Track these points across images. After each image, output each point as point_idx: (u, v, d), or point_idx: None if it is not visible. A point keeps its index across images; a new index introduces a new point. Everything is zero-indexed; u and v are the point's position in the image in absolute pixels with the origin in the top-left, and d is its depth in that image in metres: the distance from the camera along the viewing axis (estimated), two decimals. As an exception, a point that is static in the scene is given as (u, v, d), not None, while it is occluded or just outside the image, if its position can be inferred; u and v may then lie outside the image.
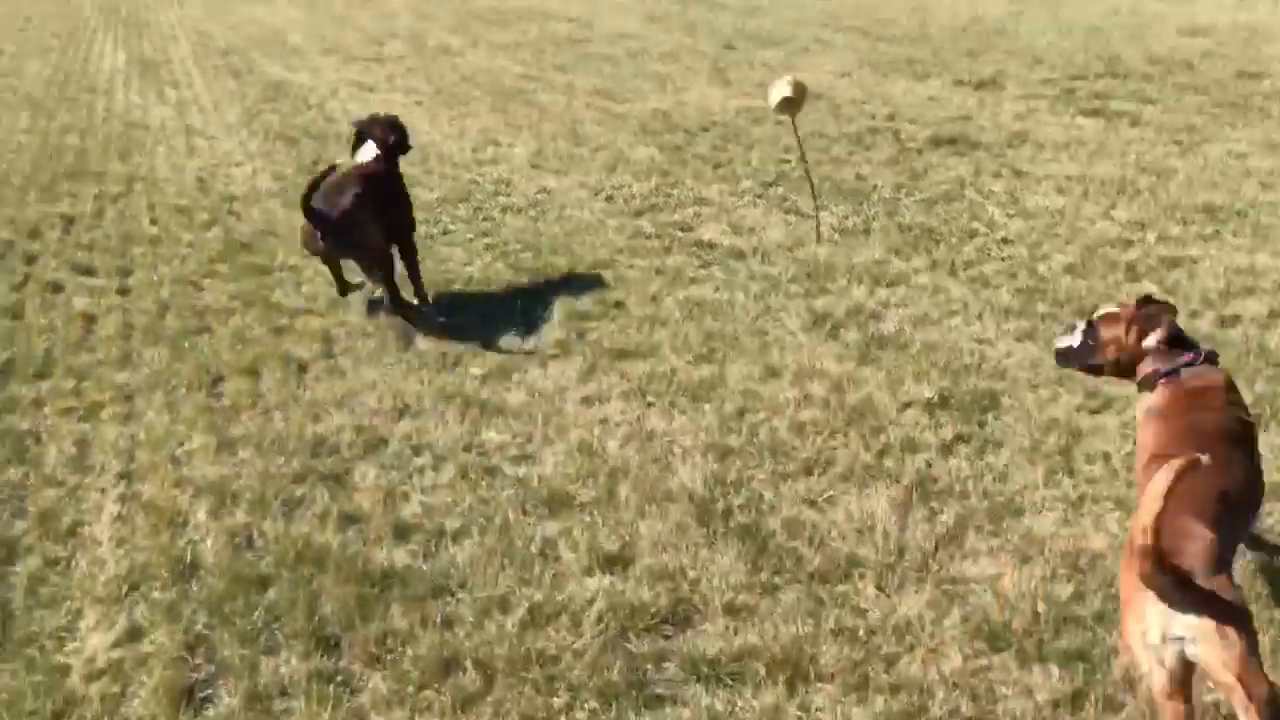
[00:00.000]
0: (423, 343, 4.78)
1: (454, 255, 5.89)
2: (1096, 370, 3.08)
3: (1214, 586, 2.17)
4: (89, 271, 5.79)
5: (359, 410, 4.17)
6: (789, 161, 7.56)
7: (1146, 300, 3.00)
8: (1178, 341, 2.88)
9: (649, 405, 4.14)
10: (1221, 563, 2.26)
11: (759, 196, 6.83)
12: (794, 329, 4.76)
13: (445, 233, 6.28)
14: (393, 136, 5.21)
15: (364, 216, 4.75)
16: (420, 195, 6.92)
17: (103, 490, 3.68)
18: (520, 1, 18.20)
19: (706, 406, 4.10)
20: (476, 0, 18.39)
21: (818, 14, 15.06)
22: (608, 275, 5.49)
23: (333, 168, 4.95)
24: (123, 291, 5.50)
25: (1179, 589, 2.14)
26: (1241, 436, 2.69)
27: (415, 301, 5.10)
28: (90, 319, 5.13)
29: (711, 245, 5.94)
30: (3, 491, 3.69)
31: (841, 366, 4.37)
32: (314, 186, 4.63)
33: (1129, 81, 9.50)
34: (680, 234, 6.14)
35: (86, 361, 4.64)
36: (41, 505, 3.59)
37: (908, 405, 4.05)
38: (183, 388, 4.37)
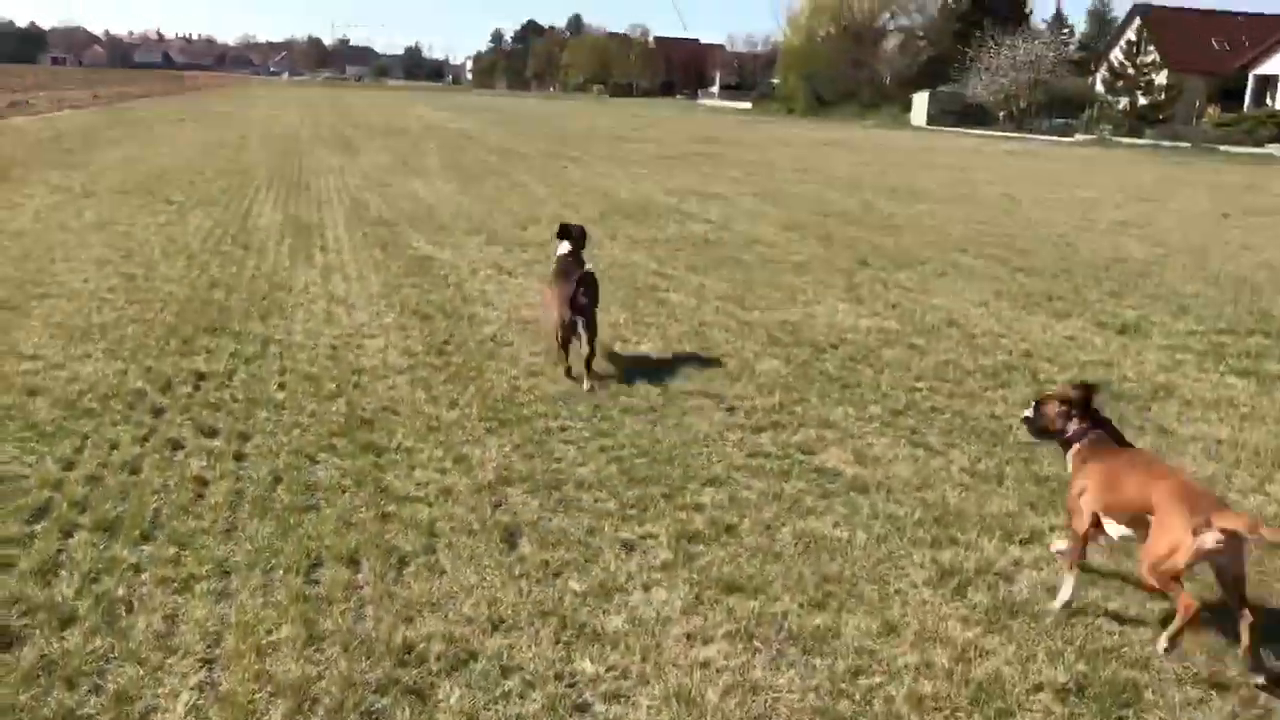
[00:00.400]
0: (526, 546, 4.63)
1: (568, 455, 5.79)
2: (1046, 437, 4.67)
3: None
4: (211, 432, 5.86)
5: (452, 616, 4.00)
6: (920, 389, 7.37)
7: (1079, 386, 4.55)
8: (1093, 416, 4.48)
9: (756, 652, 3.87)
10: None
11: (887, 425, 6.61)
12: (917, 581, 4.47)
13: (563, 429, 6.21)
14: (583, 239, 7.97)
15: (595, 301, 7.28)
16: (543, 387, 6.94)
17: (183, 675, 3.55)
18: (663, 198, 18.76)
19: (818, 661, 3.82)
20: (620, 194, 19.03)
21: (957, 238, 15.09)
22: (722, 495, 5.31)
23: (574, 274, 7.27)
24: (239, 457, 5.53)
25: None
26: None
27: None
28: (203, 483, 5.13)
29: (834, 473, 5.73)
30: (87, 662, 3.59)
31: (967, 632, 4.05)
32: (574, 292, 7.06)
33: (1283, 342, 9.13)
34: (801, 457, 5.95)
35: (191, 528, 4.61)
36: (120, 683, 3.48)
37: (1039, 688, 3.70)
38: (280, 569, 4.28)
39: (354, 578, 4.28)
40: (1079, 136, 63.20)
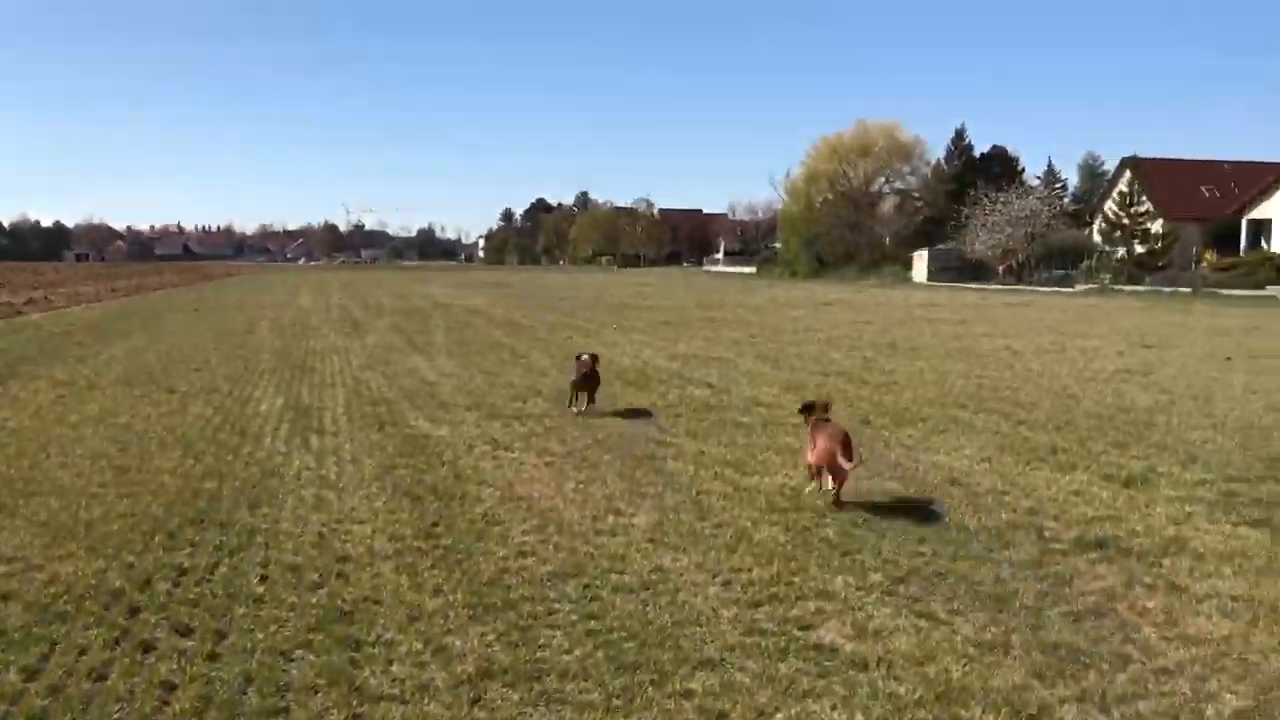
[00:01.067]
0: (505, 746, 4.38)
1: (553, 641, 5.56)
2: (805, 412, 9.44)
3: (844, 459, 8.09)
4: (186, 631, 5.66)
5: (419, 830, 3.74)
6: (923, 553, 7.15)
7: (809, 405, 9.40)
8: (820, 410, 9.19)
9: None
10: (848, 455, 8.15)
11: (888, 594, 6.38)
12: (919, 767, 4.19)
13: (550, 613, 5.98)
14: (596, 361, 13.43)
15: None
16: (532, 568, 6.75)
17: None
18: (664, 363, 18.83)
19: None
20: (622, 361, 19.11)
21: (957, 393, 15.01)
22: (714, 679, 5.06)
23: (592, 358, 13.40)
24: (212, 657, 5.32)
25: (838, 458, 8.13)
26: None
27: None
28: (170, 687, 4.92)
29: (833, 650, 5.47)
30: None
31: (972, 825, 3.76)
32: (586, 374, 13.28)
33: (1295, 487, 8.90)
34: (798, 633, 5.70)
35: (151, 740, 4.38)
36: None
37: None
38: (240, 783, 4.04)
39: (318, 789, 4.03)
40: (1079, 286, 64.01)
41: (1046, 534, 7.60)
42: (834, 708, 4.76)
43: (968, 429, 12.00)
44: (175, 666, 5.18)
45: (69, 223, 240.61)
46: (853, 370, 18.12)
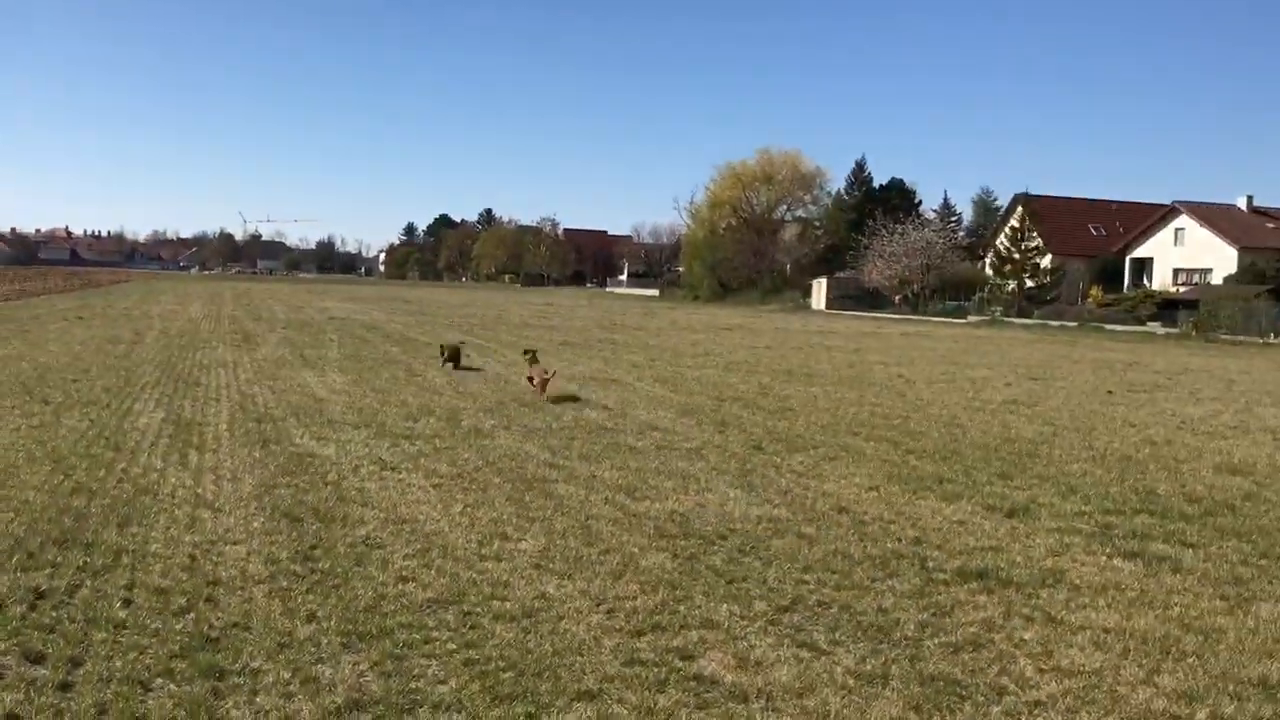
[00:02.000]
0: (370, 783, 4.21)
1: (428, 671, 5.39)
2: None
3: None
4: (39, 659, 5.35)
5: None
6: (808, 582, 7.16)
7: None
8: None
9: None
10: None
11: (771, 623, 6.36)
12: (792, 803, 4.14)
13: (427, 641, 5.81)
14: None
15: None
16: (412, 594, 6.57)
17: None
18: (561, 384, 18.70)
19: None
20: (518, 383, 18.92)
21: (850, 421, 15.20)
22: (591, 712, 4.96)
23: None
24: (64, 687, 5.03)
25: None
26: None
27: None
28: (15, 719, 4.63)
29: (713, 681, 5.42)
30: None
31: None
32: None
33: (1167, 521, 9.19)
34: (680, 664, 5.63)
35: (-13, 778, 4.10)
36: None
37: None
38: (81, 825, 3.80)
39: (165, 831, 3.81)
40: (971, 318, 65.85)
41: (930, 564, 7.68)
42: (711, 741, 4.69)
43: (858, 457, 12.14)
44: (22, 697, 4.88)
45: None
46: (749, 395, 18.24)
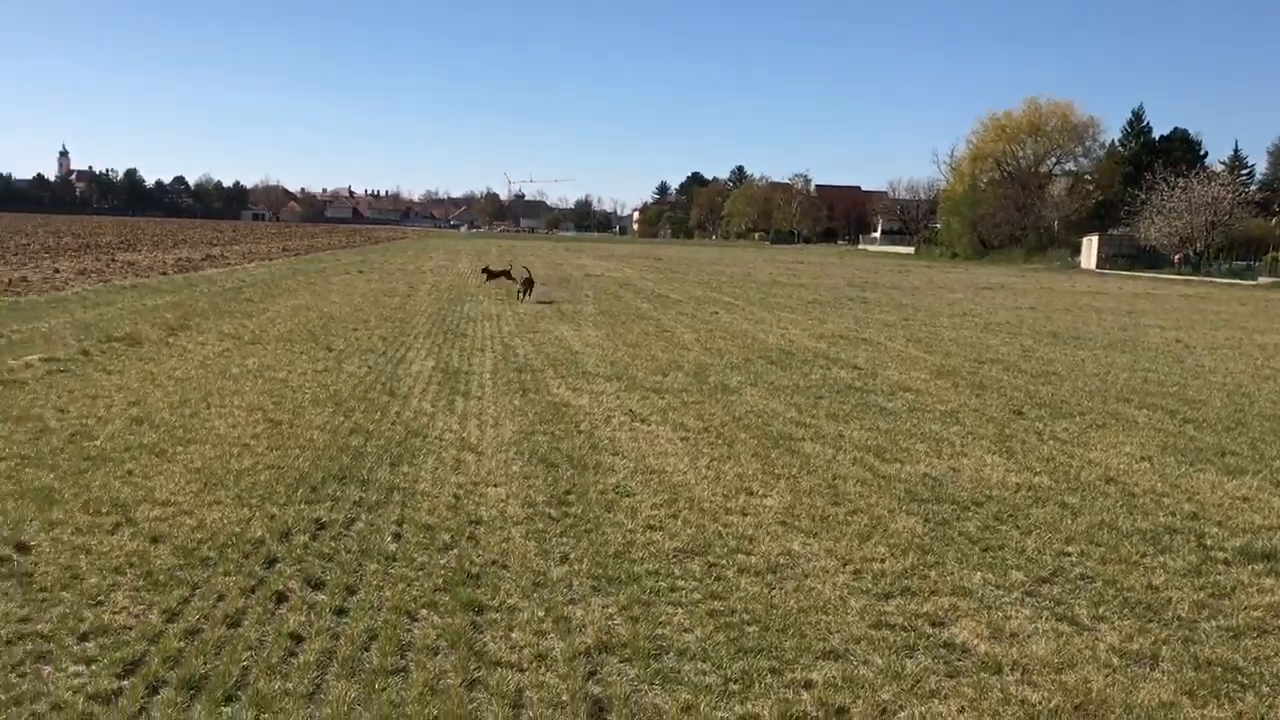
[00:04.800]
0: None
1: (674, 619, 5.47)
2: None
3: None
4: (318, 585, 5.80)
5: (524, 802, 3.71)
6: (1070, 554, 6.79)
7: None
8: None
9: None
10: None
11: (1029, 594, 6.07)
12: (1048, 782, 3.94)
13: (673, 589, 5.90)
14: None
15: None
16: (659, 543, 6.68)
17: None
18: (810, 343, 18.51)
19: None
20: (767, 339, 18.87)
21: (1120, 387, 14.28)
22: (836, 671, 4.89)
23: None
24: (340, 612, 5.43)
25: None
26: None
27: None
28: (298, 639, 5.04)
29: (965, 650, 5.23)
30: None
31: None
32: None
33: None
34: (929, 630, 5.47)
35: (276, 689, 4.48)
36: None
37: None
38: (354, 738, 4.09)
39: (429, 751, 4.05)
40: (1262, 279, 60.25)
41: (1208, 541, 7.12)
42: (961, 711, 4.54)
43: (1129, 425, 11.38)
44: (304, 619, 5.30)
45: (248, 183, 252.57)
46: (1010, 358, 17.45)
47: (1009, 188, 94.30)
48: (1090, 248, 79.45)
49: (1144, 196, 73.59)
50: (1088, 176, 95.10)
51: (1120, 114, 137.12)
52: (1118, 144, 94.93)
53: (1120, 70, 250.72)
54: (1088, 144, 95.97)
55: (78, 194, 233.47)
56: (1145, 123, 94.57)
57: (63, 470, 7.81)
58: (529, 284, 26.47)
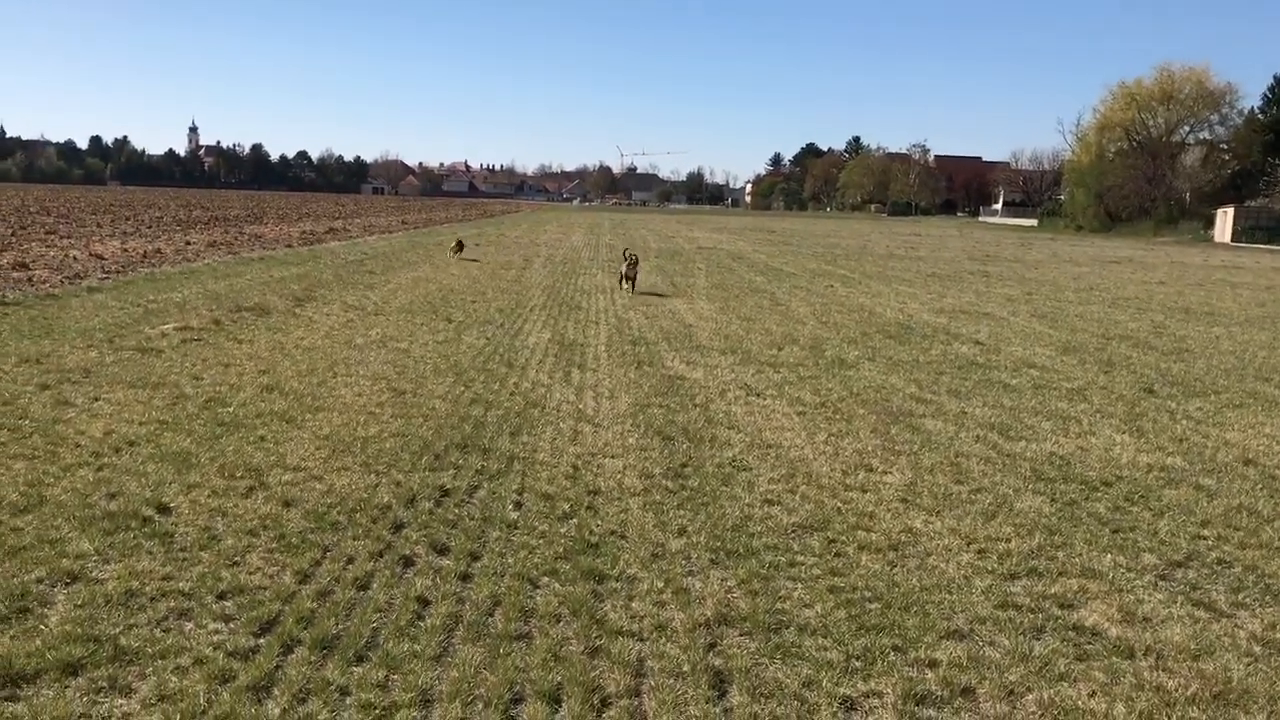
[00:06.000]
0: (736, 695, 4.32)
1: (794, 594, 5.44)
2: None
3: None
4: (443, 550, 5.93)
5: (647, 770, 3.74)
6: (1206, 538, 6.54)
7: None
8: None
9: (980, 845, 3.38)
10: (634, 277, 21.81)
11: (1162, 578, 5.87)
12: (1186, 773, 3.81)
13: (792, 564, 5.87)
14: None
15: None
16: (777, 517, 6.64)
17: (365, 810, 3.47)
18: (929, 317, 18.15)
19: None
20: (885, 313, 18.57)
21: (1259, 365, 13.67)
22: (961, 651, 4.80)
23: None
24: (465, 577, 5.54)
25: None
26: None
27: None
28: (425, 602, 5.16)
29: (1095, 633, 5.08)
30: (279, 785, 3.58)
31: (1247, 845, 3.38)
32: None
33: None
34: (1058, 611, 5.33)
35: (404, 651, 4.60)
36: (305, 812, 3.43)
37: None
38: (481, 702, 4.18)
39: (553, 717, 4.11)
40: None
41: (1358, 528, 6.77)
42: (1092, 695, 4.41)
43: (1269, 405, 10.89)
44: (431, 583, 5.42)
45: (367, 158, 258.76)
46: (1140, 334, 16.85)
47: (1138, 158, 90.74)
48: (1225, 220, 76.05)
49: (1286, 166, 70.06)
50: (1224, 145, 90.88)
51: (1261, 80, 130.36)
52: (1257, 111, 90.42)
53: (1261, 33, 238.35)
54: (1224, 111, 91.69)
55: (206, 168, 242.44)
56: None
57: (199, 435, 8.13)
58: (633, 267, 21.93)
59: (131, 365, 10.85)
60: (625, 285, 21.88)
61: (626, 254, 22.98)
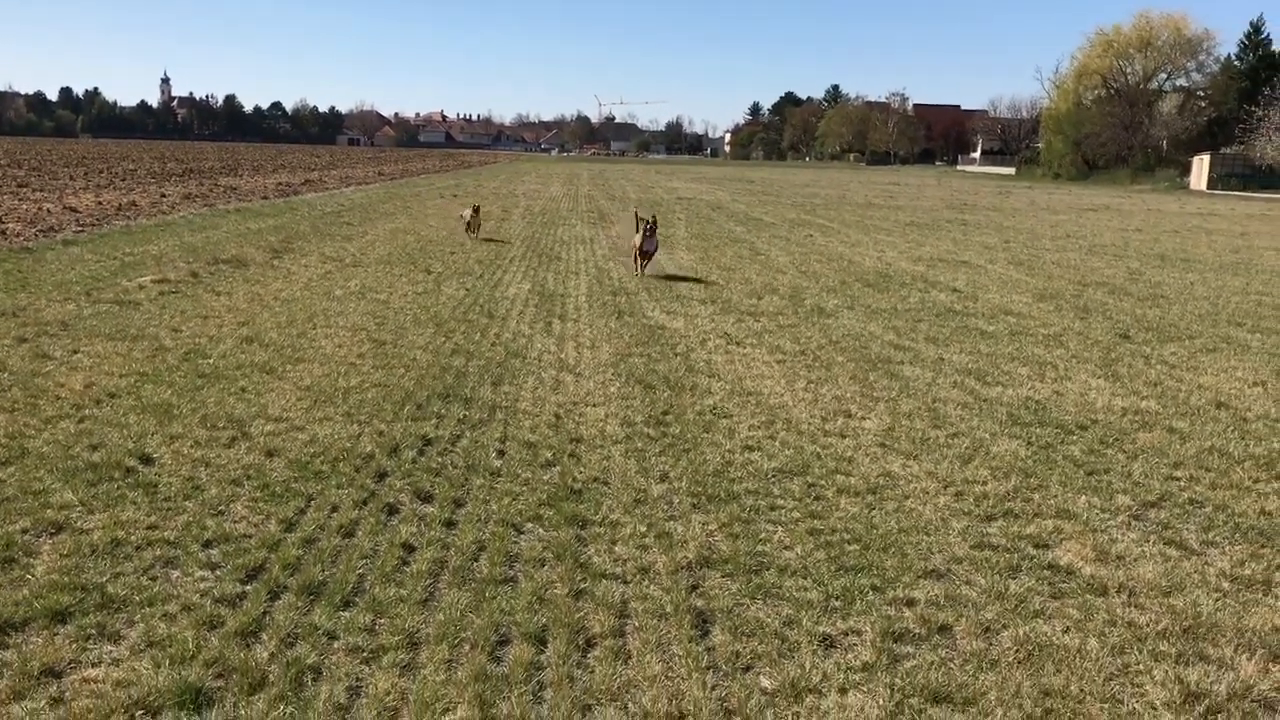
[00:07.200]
0: (718, 634, 4.40)
1: (774, 536, 5.52)
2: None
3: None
4: (427, 498, 5.97)
5: (632, 709, 3.82)
6: (1178, 479, 6.65)
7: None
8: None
9: (956, 773, 3.48)
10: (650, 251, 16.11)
11: (1136, 518, 5.98)
12: (1156, 702, 3.92)
13: (772, 508, 5.94)
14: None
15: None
16: (757, 463, 6.71)
17: (356, 748, 3.53)
18: (908, 266, 18.22)
19: (1028, 791, 3.38)
20: (863, 262, 18.62)
21: (1232, 310, 13.81)
22: (938, 590, 4.89)
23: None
24: (449, 524, 5.59)
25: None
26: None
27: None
28: (410, 549, 5.21)
29: (1069, 571, 5.18)
30: (269, 727, 3.64)
31: (1213, 771, 3.49)
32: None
33: None
34: (1033, 551, 5.43)
35: (391, 596, 4.65)
36: (297, 752, 3.49)
37: None
38: (468, 644, 4.24)
39: (538, 657, 4.18)
40: (1390, 198, 57.34)
41: (1326, 468, 6.91)
42: (1066, 631, 4.51)
43: (1241, 349, 11.03)
44: (415, 530, 5.47)
45: (342, 109, 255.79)
46: (1116, 281, 16.98)
47: (1115, 105, 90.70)
48: (1201, 167, 76.33)
49: (1261, 113, 70.25)
50: (1200, 93, 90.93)
51: (1237, 27, 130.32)
52: (1233, 58, 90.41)
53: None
54: (1201, 59, 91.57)
55: (179, 120, 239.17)
56: (1265, 35, 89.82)
57: (179, 387, 8.11)
58: (651, 235, 16.02)
59: (109, 318, 10.79)
60: (639, 265, 16.14)
61: (639, 216, 17.00)
